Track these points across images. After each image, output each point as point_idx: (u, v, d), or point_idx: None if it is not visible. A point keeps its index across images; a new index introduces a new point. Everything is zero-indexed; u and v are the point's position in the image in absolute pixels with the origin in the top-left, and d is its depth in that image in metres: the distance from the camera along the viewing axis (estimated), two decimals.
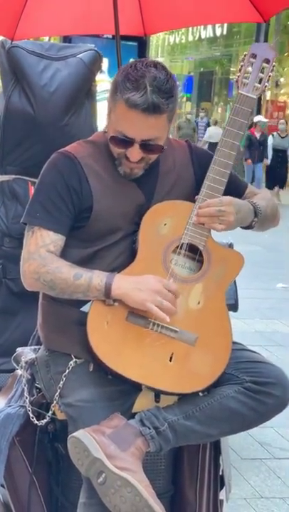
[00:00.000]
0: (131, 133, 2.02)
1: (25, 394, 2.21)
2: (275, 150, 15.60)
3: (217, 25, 23.43)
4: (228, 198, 2.09)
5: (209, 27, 24.15)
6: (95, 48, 3.42)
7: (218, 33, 24.70)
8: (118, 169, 2.10)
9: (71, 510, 2.12)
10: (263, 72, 2.15)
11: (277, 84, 21.34)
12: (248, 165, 15.75)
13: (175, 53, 29.54)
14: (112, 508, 1.91)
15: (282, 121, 16.52)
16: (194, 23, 8.43)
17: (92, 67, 3.35)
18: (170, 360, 2.04)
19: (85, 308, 2.06)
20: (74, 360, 2.09)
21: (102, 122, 2.41)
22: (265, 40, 17.38)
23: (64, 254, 2.09)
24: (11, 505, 2.23)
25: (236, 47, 24.23)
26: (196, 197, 2.12)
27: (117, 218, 2.10)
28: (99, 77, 3.55)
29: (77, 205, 2.08)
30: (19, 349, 2.37)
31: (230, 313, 2.17)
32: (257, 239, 7.58)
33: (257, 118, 16.17)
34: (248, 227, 2.21)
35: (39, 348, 2.29)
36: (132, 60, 2.09)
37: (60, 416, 2.14)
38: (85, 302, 2.06)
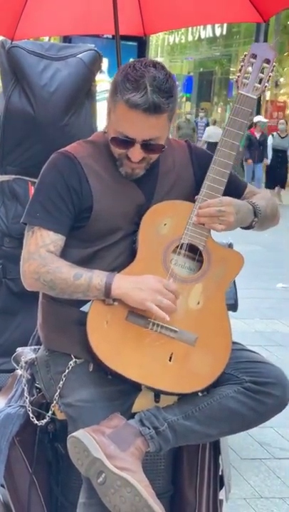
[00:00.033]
0: (132, 133, 2.02)
1: (25, 394, 2.21)
2: (274, 150, 15.61)
3: (217, 25, 23.44)
4: (228, 198, 2.09)
5: (209, 27, 24.16)
6: (95, 48, 3.42)
7: (217, 33, 24.71)
8: (119, 170, 2.10)
9: (71, 510, 2.13)
10: (263, 73, 2.15)
11: (276, 85, 21.34)
12: (248, 165, 15.76)
13: (175, 53, 29.54)
14: (111, 508, 1.91)
15: (282, 121, 16.53)
16: (194, 23, 8.43)
17: (92, 67, 3.35)
18: (170, 360, 2.04)
19: (84, 308, 2.06)
20: (74, 360, 2.09)
21: (102, 122, 2.41)
22: (265, 40, 17.40)
23: (64, 254, 2.09)
24: (11, 505, 2.23)
25: (236, 47, 24.24)
26: (196, 197, 2.12)
27: (117, 218, 2.10)
28: (99, 77, 3.55)
29: (77, 205, 2.08)
30: (19, 349, 2.37)
31: (230, 313, 2.17)
32: (257, 238, 7.58)
33: (257, 118, 16.19)
34: (248, 227, 2.21)
35: (39, 348, 2.29)
36: (131, 60, 2.09)
37: (60, 416, 2.14)
38: (84, 302, 2.06)
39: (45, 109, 3.22)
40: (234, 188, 2.22)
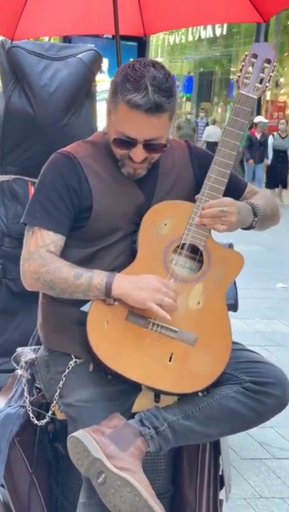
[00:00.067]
0: (134, 134, 2.02)
1: (25, 394, 2.21)
2: (275, 150, 15.62)
3: (217, 26, 23.44)
4: (230, 198, 2.10)
5: (209, 27, 24.16)
6: (95, 48, 3.42)
7: (218, 33, 24.71)
8: (122, 170, 2.10)
9: (71, 510, 2.13)
10: (263, 72, 2.15)
11: (277, 85, 21.35)
12: (248, 165, 15.77)
13: (175, 53, 29.54)
14: (111, 508, 1.91)
15: (282, 121, 16.54)
16: (194, 23, 8.44)
17: (92, 67, 3.35)
18: (170, 360, 2.04)
19: (85, 308, 2.06)
20: (74, 360, 2.09)
21: (102, 122, 2.41)
22: (265, 40, 17.41)
23: (64, 254, 2.09)
24: (11, 505, 2.23)
25: (236, 47, 24.24)
26: (196, 196, 2.12)
27: (116, 218, 2.10)
28: (99, 77, 3.55)
29: (77, 205, 2.08)
30: (19, 349, 2.37)
31: (230, 313, 2.17)
32: (257, 238, 7.57)
33: (257, 119, 16.20)
34: (249, 227, 2.21)
35: (39, 348, 2.29)
36: (131, 60, 2.09)
37: (60, 416, 2.14)
38: (85, 302, 2.06)
39: (45, 109, 3.22)
40: (234, 188, 2.22)
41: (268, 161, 15.67)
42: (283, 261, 8.72)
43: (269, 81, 2.16)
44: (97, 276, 2.02)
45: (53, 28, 3.97)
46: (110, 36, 4.02)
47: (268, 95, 20.75)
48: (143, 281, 2.01)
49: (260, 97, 2.27)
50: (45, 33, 4.53)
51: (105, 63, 4.03)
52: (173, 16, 3.69)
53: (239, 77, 2.15)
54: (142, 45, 11.47)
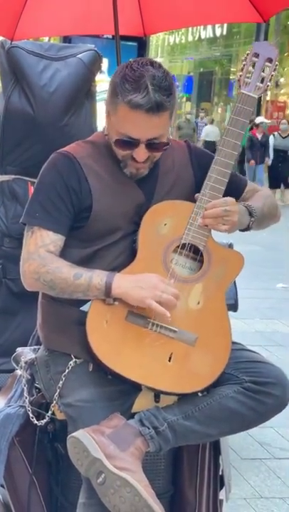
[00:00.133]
0: (136, 134, 2.02)
1: (25, 394, 2.21)
2: (275, 150, 15.62)
3: (217, 26, 23.45)
4: (232, 198, 2.10)
5: (209, 27, 24.17)
6: (95, 48, 3.42)
7: (218, 33, 24.72)
8: (124, 171, 2.10)
9: (71, 510, 2.13)
10: (265, 72, 2.15)
11: (277, 85, 21.35)
12: (249, 166, 15.78)
13: (175, 53, 29.55)
14: (111, 508, 1.91)
15: (284, 121, 16.52)
16: (194, 23, 8.44)
17: (91, 68, 3.35)
18: (169, 360, 2.04)
19: (84, 308, 2.06)
20: (74, 360, 2.09)
21: (102, 122, 2.41)
22: (265, 40, 17.39)
23: (64, 254, 2.09)
24: (10, 505, 2.23)
25: (236, 47, 24.25)
26: (196, 195, 2.11)
27: (116, 218, 2.10)
28: (99, 77, 3.55)
29: (77, 205, 2.08)
30: (19, 349, 2.37)
31: (230, 313, 2.17)
32: (256, 238, 7.56)
33: (259, 119, 16.19)
34: (246, 228, 2.20)
35: (39, 348, 2.29)
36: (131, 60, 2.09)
37: (60, 416, 2.14)
38: (84, 302, 2.06)
39: (44, 110, 3.22)
40: (235, 188, 2.23)
41: (269, 161, 15.67)
42: (283, 261, 8.72)
43: (270, 80, 2.15)
44: (97, 276, 2.02)
45: (53, 28, 3.97)
46: (110, 36, 4.02)
47: (268, 95, 20.76)
48: (143, 280, 2.01)
49: (260, 97, 2.27)
50: (45, 33, 4.52)
51: (105, 63, 4.03)
52: (173, 16, 3.69)
53: (240, 76, 2.15)
54: (141, 45, 11.47)
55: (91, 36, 5.18)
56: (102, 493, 1.92)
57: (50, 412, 2.15)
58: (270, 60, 2.16)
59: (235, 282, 2.94)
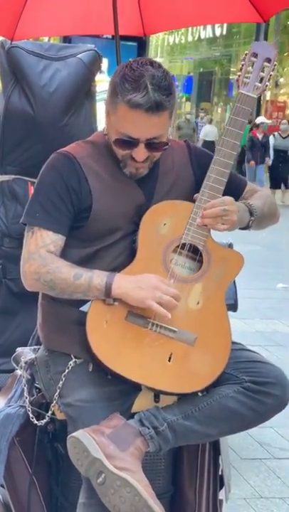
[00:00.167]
0: (135, 133, 2.02)
1: (25, 394, 2.21)
2: (276, 150, 15.62)
3: (217, 26, 23.45)
4: (229, 197, 2.10)
5: (209, 27, 24.17)
6: (95, 48, 3.42)
7: (217, 33, 24.72)
8: (124, 171, 2.10)
9: (71, 510, 2.13)
10: (263, 72, 2.15)
11: (277, 85, 21.36)
12: (250, 166, 15.77)
13: (175, 53, 29.55)
14: (111, 508, 1.91)
15: (284, 121, 16.51)
16: (194, 23, 8.44)
17: (91, 68, 3.35)
18: (169, 360, 2.04)
19: (84, 308, 2.06)
20: (73, 360, 2.09)
21: (102, 122, 2.41)
22: (265, 40, 17.39)
23: (64, 254, 2.09)
24: (10, 505, 2.23)
25: (236, 47, 24.25)
26: (195, 195, 2.12)
27: (116, 218, 2.10)
28: (98, 77, 3.55)
29: (77, 205, 2.08)
30: (19, 349, 2.37)
31: (230, 313, 2.17)
32: (256, 238, 7.58)
33: (259, 119, 16.19)
34: (246, 227, 2.21)
35: (39, 348, 2.29)
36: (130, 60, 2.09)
37: (60, 416, 2.14)
38: (84, 302, 2.06)
39: (44, 110, 3.22)
40: (234, 188, 2.23)
41: (269, 162, 15.66)
42: (283, 261, 8.72)
43: (269, 80, 2.15)
44: (97, 277, 2.02)
45: (53, 28, 3.97)
46: (110, 36, 4.02)
47: (268, 95, 20.77)
48: (143, 281, 2.01)
49: (259, 97, 2.27)
50: (45, 33, 4.53)
51: (105, 63, 4.03)
52: (173, 16, 3.69)
53: (239, 76, 2.15)
54: (141, 45, 11.46)
55: (91, 36, 5.18)
56: (102, 493, 1.92)
57: (50, 412, 2.15)
58: (268, 60, 2.16)
59: (235, 282, 2.95)
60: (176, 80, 24.28)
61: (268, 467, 3.47)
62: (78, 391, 2.05)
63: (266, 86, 2.15)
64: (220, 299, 2.12)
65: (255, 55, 2.15)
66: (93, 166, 2.11)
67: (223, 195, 2.10)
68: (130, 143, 2.03)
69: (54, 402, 2.12)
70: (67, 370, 2.09)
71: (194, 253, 2.12)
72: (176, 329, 2.04)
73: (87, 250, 2.11)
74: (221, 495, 2.30)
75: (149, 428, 2.01)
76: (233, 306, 3.22)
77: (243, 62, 2.16)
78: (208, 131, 18.64)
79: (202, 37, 25.86)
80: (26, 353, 2.31)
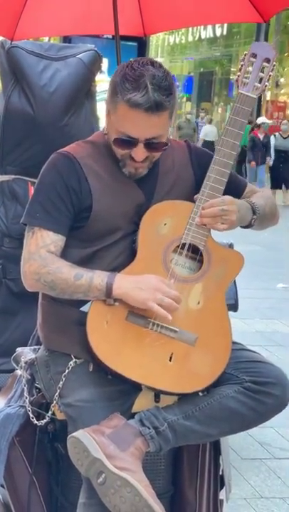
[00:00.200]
0: (134, 133, 2.02)
1: (25, 394, 2.21)
2: (276, 151, 15.60)
3: (217, 26, 23.46)
4: (229, 197, 2.10)
5: (209, 27, 24.18)
6: (95, 48, 3.42)
7: (218, 33, 24.72)
8: (123, 170, 2.10)
9: (71, 510, 2.13)
10: (263, 72, 2.15)
11: (277, 85, 21.36)
12: (251, 167, 15.77)
13: (175, 53, 29.55)
14: (111, 508, 1.91)
15: (285, 121, 16.50)
16: (194, 23, 8.44)
17: (91, 68, 3.35)
18: (170, 360, 2.04)
19: (84, 308, 2.06)
20: (74, 360, 2.09)
21: (103, 123, 2.41)
22: (265, 40, 17.39)
23: (64, 254, 2.09)
24: (10, 505, 2.23)
25: (236, 47, 24.25)
26: (196, 196, 2.12)
27: (116, 218, 2.10)
28: (99, 77, 3.55)
29: (77, 205, 2.08)
30: (19, 349, 2.37)
31: (230, 313, 2.17)
32: (257, 238, 7.58)
33: (260, 120, 16.18)
34: (248, 226, 2.21)
35: (39, 348, 2.29)
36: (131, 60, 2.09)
37: (60, 416, 2.14)
38: (84, 302, 2.06)
39: (44, 110, 3.22)
40: (234, 188, 2.23)
41: (271, 162, 15.64)
42: (283, 261, 8.72)
43: (268, 80, 2.16)
44: (98, 277, 2.01)
45: (53, 28, 3.97)
46: (110, 36, 4.02)
47: (268, 95, 20.77)
48: (144, 281, 2.01)
49: (260, 98, 2.28)
50: (45, 33, 4.52)
51: (105, 63, 4.03)
52: (173, 16, 3.69)
53: (238, 76, 2.15)
54: (141, 45, 11.46)
55: (91, 36, 5.19)
56: (103, 493, 1.92)
57: (50, 412, 2.15)
58: (267, 61, 2.16)
59: (235, 282, 2.95)
60: (177, 80, 24.28)
61: (269, 467, 3.47)
62: (78, 391, 2.05)
63: (265, 86, 2.15)
64: (220, 299, 2.12)
65: (255, 56, 2.16)
66: (93, 166, 2.11)
67: (224, 195, 2.10)
68: (129, 142, 2.03)
69: (54, 402, 2.12)
70: (67, 370, 2.09)
71: (194, 253, 2.12)
72: (177, 329, 2.04)
73: (87, 250, 2.10)
74: (222, 495, 2.30)
75: (149, 428, 2.01)
76: (233, 306, 3.22)
77: (242, 63, 2.16)
78: (208, 132, 18.68)
79: (202, 37, 25.87)
80: (26, 353, 2.31)
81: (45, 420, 2.16)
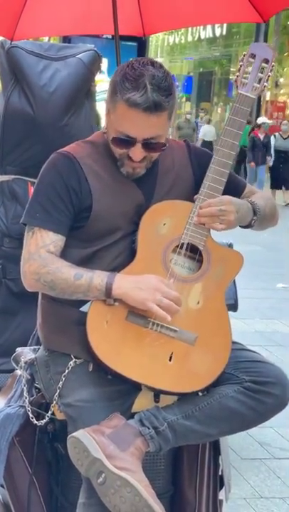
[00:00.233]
0: (133, 132, 2.02)
1: (25, 394, 2.21)
2: (276, 151, 15.58)
3: (216, 26, 23.46)
4: (228, 197, 2.10)
5: (209, 27, 24.18)
6: (95, 48, 3.42)
7: (217, 33, 24.72)
8: (121, 170, 2.10)
9: (71, 510, 2.13)
10: (262, 72, 2.16)
11: (277, 85, 21.36)
12: (251, 167, 15.76)
13: (174, 53, 29.56)
14: (111, 508, 1.91)
15: (285, 122, 16.48)
16: (194, 23, 8.44)
17: (91, 68, 3.35)
18: (170, 360, 2.04)
19: (84, 308, 2.06)
20: (73, 360, 2.09)
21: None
22: (265, 40, 17.43)
23: (64, 254, 2.09)
24: (10, 505, 2.23)
25: (236, 47, 24.25)
26: (195, 196, 2.12)
27: (116, 218, 2.10)
28: (98, 77, 3.55)
29: (77, 205, 2.08)
30: (19, 349, 2.37)
31: (230, 313, 2.17)
32: (257, 238, 7.58)
33: (261, 120, 16.17)
34: (248, 226, 2.21)
35: (39, 348, 2.29)
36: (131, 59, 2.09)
37: (60, 416, 2.14)
38: (84, 302, 2.06)
39: (44, 110, 3.22)
40: (233, 188, 2.22)
41: (271, 162, 15.62)
42: (283, 261, 8.72)
43: (267, 81, 2.16)
44: (98, 277, 2.01)
45: (53, 28, 3.97)
46: (110, 36, 4.02)
47: (268, 95, 20.77)
48: (143, 282, 2.01)
49: (259, 98, 2.28)
50: (45, 33, 4.53)
51: (105, 63, 4.04)
52: (172, 16, 3.69)
53: (237, 76, 2.15)
54: (141, 45, 11.47)
55: (91, 36, 5.20)
56: (103, 493, 1.92)
57: (50, 412, 2.15)
58: (266, 61, 2.16)
59: (235, 282, 2.95)
60: (176, 80, 24.28)
61: (268, 467, 3.47)
62: (78, 391, 2.05)
63: (264, 87, 2.16)
64: (220, 299, 2.12)
65: (253, 56, 2.16)
66: (93, 166, 2.11)
67: (223, 195, 2.10)
68: (127, 142, 2.03)
69: (54, 402, 2.12)
70: (67, 371, 2.09)
71: (194, 253, 2.12)
72: (177, 329, 2.04)
73: (87, 250, 2.10)
74: (221, 495, 2.30)
75: (149, 428, 2.01)
76: (233, 306, 3.22)
77: (241, 63, 2.17)
78: (206, 132, 18.67)
79: (202, 37, 25.87)
80: (26, 353, 2.31)
81: (44, 420, 2.16)
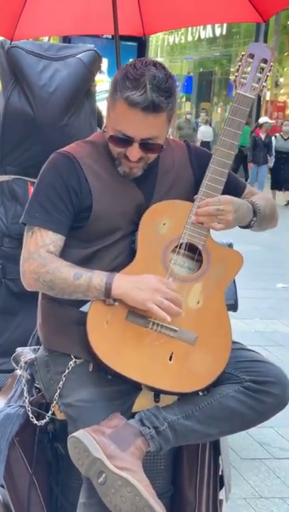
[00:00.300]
0: (130, 132, 2.02)
1: (25, 394, 2.21)
2: (278, 152, 15.54)
3: (216, 26, 23.46)
4: (227, 196, 2.10)
5: (209, 27, 24.18)
6: (95, 48, 3.42)
7: (217, 33, 24.72)
8: (118, 169, 2.10)
9: (71, 510, 2.13)
10: (260, 72, 2.16)
11: (276, 85, 21.35)
12: (251, 168, 15.74)
13: (174, 53, 29.56)
14: (112, 508, 1.91)
15: (286, 122, 16.44)
16: (194, 23, 8.43)
17: (91, 68, 3.35)
18: (170, 360, 2.04)
19: (84, 308, 2.06)
20: (74, 360, 2.09)
21: None
22: (265, 40, 17.42)
23: (64, 254, 2.09)
24: (10, 505, 2.23)
25: (236, 47, 24.24)
26: (195, 196, 2.12)
27: (116, 218, 2.10)
28: (98, 77, 3.55)
29: (77, 205, 2.08)
30: (19, 349, 2.37)
31: (230, 313, 2.17)
32: (257, 238, 7.57)
33: (263, 119, 16.14)
34: (247, 226, 2.21)
35: (39, 348, 2.29)
36: (131, 60, 2.10)
37: (60, 416, 2.14)
38: (84, 302, 2.06)
39: (44, 110, 3.21)
40: (233, 188, 2.22)
41: (271, 163, 15.58)
42: (283, 261, 8.72)
43: (266, 80, 2.17)
44: (97, 277, 2.01)
45: (53, 28, 3.97)
46: (110, 36, 4.02)
47: (268, 95, 20.76)
48: (143, 282, 2.01)
49: (259, 97, 2.29)
50: (45, 33, 4.52)
51: (105, 63, 4.05)
52: (173, 16, 3.69)
53: (236, 76, 2.16)
54: (141, 45, 11.47)
55: (91, 36, 5.19)
56: (103, 493, 1.92)
57: (50, 412, 2.15)
58: (265, 61, 2.17)
59: (235, 282, 2.95)
60: (176, 80, 24.28)
61: (268, 467, 3.47)
62: (78, 391, 2.05)
63: (263, 86, 2.16)
64: (220, 299, 2.12)
65: (252, 56, 2.17)
66: (93, 166, 2.11)
67: (223, 195, 2.10)
68: (125, 141, 2.03)
69: (54, 402, 2.12)
70: (67, 371, 2.09)
71: (194, 253, 2.12)
72: (177, 328, 2.04)
73: (87, 250, 2.11)
74: (221, 495, 2.30)
75: (149, 428, 2.01)
76: (233, 306, 3.22)
77: (239, 63, 2.17)
78: (204, 132, 18.65)
79: (202, 37, 25.87)
80: (26, 353, 2.31)
81: (45, 420, 2.16)
